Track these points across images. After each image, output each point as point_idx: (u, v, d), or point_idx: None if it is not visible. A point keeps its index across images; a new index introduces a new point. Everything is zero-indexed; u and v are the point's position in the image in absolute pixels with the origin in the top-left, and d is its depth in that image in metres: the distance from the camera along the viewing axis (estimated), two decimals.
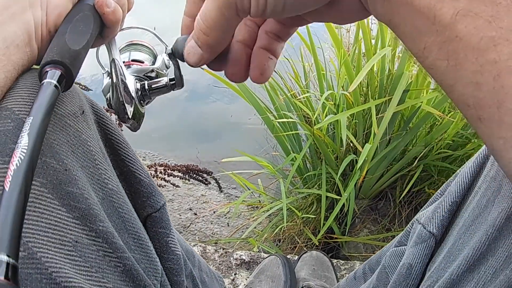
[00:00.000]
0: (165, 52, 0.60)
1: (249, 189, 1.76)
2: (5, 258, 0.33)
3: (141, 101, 0.63)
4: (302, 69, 1.79)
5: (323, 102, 1.45)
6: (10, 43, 0.44)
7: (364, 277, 0.83)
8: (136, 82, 0.63)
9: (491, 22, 0.28)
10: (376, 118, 1.31)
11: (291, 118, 1.56)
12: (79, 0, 0.55)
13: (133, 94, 0.61)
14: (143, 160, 2.38)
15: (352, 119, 1.53)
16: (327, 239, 1.65)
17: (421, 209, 0.65)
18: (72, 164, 0.44)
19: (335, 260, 1.39)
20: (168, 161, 2.32)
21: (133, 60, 0.70)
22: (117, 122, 1.56)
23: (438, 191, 0.63)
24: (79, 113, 0.48)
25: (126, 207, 0.51)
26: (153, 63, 0.72)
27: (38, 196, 0.40)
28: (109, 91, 0.63)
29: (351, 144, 1.51)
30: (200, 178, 1.74)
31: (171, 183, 1.80)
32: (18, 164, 0.38)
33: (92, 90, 1.97)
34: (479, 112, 0.30)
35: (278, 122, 1.62)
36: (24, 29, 0.46)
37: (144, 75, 0.67)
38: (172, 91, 0.66)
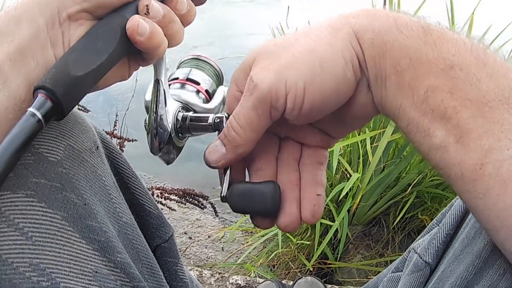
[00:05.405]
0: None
1: (245, 215, 1.77)
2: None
3: (179, 134, 0.54)
4: None
5: None
6: (29, 84, 0.42)
7: None
8: (178, 112, 0.54)
9: (452, 94, 0.35)
10: (371, 147, 1.33)
11: None
12: (117, 9, 0.47)
13: (170, 126, 0.52)
14: None
15: (347, 147, 1.55)
16: (320, 264, 1.66)
17: (418, 238, 0.67)
18: (91, 198, 0.46)
19: (329, 286, 1.40)
20: (164, 184, 2.32)
21: (188, 80, 0.58)
22: (119, 146, 1.57)
23: (434, 220, 0.65)
24: (94, 148, 0.50)
25: (139, 239, 0.53)
26: (214, 86, 0.60)
27: (60, 229, 0.42)
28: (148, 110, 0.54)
29: (346, 172, 1.53)
30: (196, 202, 1.75)
31: (168, 207, 1.81)
32: None
33: (90, 111, 1.93)
34: (447, 173, 0.37)
35: None
36: (45, 66, 0.44)
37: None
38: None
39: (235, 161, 0.45)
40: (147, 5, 0.46)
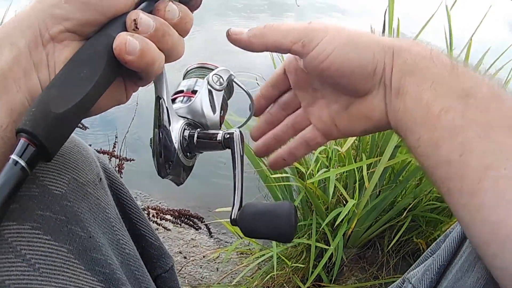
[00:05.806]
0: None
1: (241, 238, 1.77)
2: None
3: (186, 154, 0.50)
4: None
5: (316, 156, 1.49)
6: (11, 110, 0.39)
7: None
8: (184, 130, 0.50)
9: (463, 116, 0.40)
10: (367, 173, 1.35)
11: (285, 172, 1.59)
12: (101, 28, 0.42)
13: (176, 146, 0.48)
14: None
15: (343, 172, 1.56)
16: (315, 286, 1.66)
17: (412, 267, 0.68)
18: (95, 231, 0.47)
19: None
20: (159, 203, 2.32)
21: (194, 92, 0.53)
22: (117, 169, 1.57)
23: (428, 250, 0.66)
24: (97, 180, 0.50)
25: (142, 270, 0.54)
26: (226, 97, 0.55)
27: (66, 262, 0.43)
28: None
29: (341, 196, 1.54)
30: (191, 223, 1.76)
31: (163, 227, 1.81)
32: None
33: (88, 128, 1.91)
34: (448, 185, 0.41)
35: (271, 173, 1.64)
36: (28, 91, 0.40)
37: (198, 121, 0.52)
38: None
39: (242, 45, 0.51)
40: (134, 20, 0.42)
